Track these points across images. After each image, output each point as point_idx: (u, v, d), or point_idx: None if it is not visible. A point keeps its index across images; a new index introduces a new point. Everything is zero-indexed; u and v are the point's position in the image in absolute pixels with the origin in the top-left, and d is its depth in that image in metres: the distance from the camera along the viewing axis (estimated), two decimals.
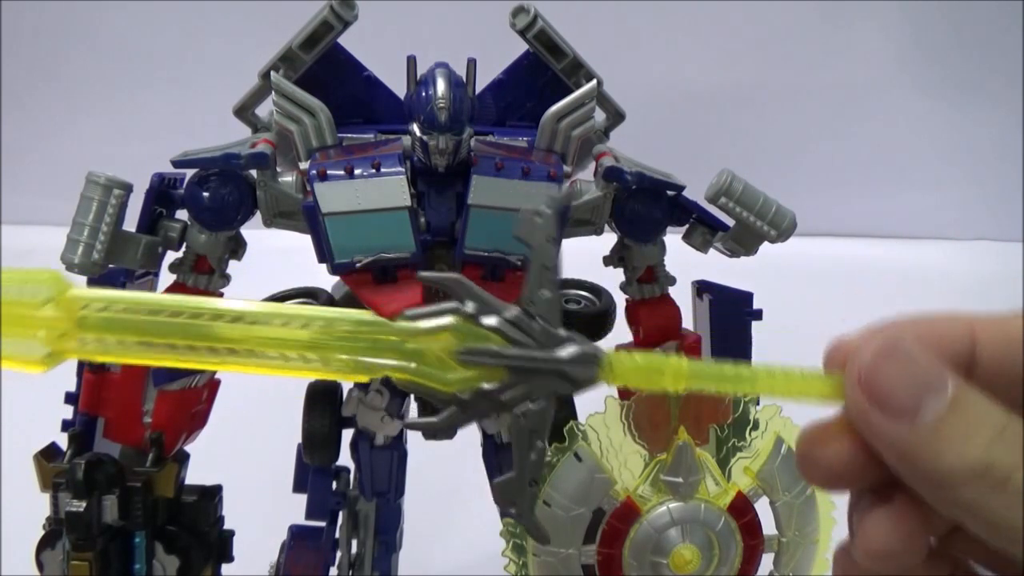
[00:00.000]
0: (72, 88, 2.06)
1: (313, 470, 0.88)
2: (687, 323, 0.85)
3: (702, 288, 0.85)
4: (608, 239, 0.82)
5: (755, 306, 0.84)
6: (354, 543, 0.94)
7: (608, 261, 0.82)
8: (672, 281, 0.82)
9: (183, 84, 1.94)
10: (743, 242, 0.78)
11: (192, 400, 0.76)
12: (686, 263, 0.83)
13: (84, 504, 0.67)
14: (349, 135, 0.77)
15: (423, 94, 0.69)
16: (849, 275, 1.99)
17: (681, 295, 0.85)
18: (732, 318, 0.84)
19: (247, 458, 1.17)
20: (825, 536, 0.78)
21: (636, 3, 2.00)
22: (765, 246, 0.79)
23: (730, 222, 0.78)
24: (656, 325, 0.81)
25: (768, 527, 0.76)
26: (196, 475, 0.80)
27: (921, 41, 2.08)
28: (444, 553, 1.19)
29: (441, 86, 0.69)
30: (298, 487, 0.90)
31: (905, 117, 2.13)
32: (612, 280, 0.85)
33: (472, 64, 0.74)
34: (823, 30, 2.08)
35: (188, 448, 0.79)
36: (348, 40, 0.79)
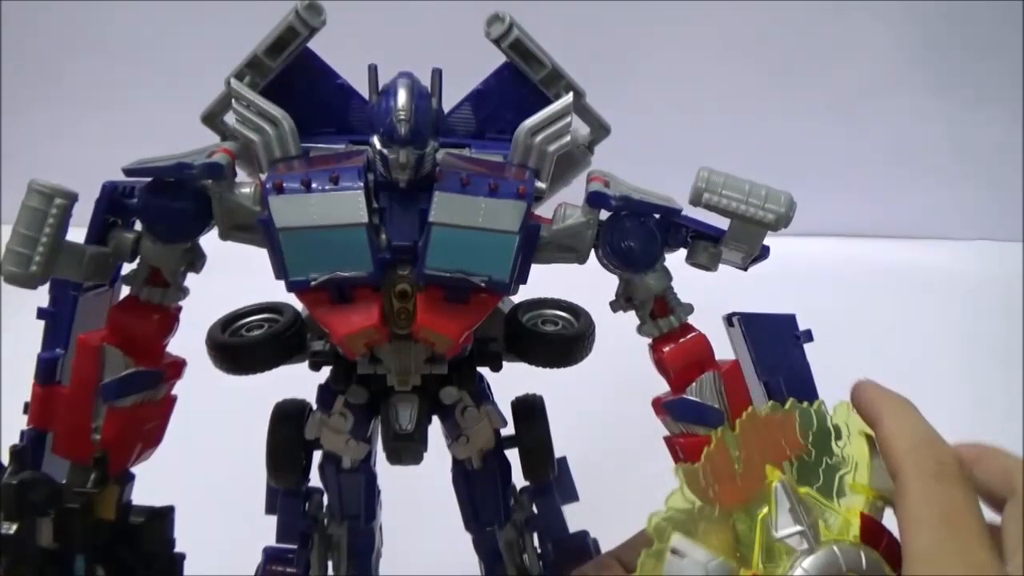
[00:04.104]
0: (72, 89, 2.06)
1: (282, 492, 0.86)
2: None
3: (731, 316, 0.78)
4: (593, 264, 0.77)
5: (763, 311, 0.77)
6: (330, 565, 0.91)
7: (616, 306, 0.76)
8: (689, 309, 0.75)
9: (185, 86, 1.90)
10: (744, 238, 0.71)
11: (144, 417, 0.73)
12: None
13: (15, 526, 0.64)
14: (319, 145, 0.74)
15: (383, 105, 0.66)
16: (849, 275, 1.97)
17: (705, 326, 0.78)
18: (778, 345, 0.77)
19: (226, 477, 1.15)
20: None
21: (640, 3, 1.97)
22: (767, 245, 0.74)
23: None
24: (685, 364, 0.74)
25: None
26: (174, 495, 0.78)
27: (921, 42, 2.05)
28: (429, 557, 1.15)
29: (402, 97, 0.65)
30: (270, 509, 0.88)
31: (905, 117, 2.10)
32: (595, 300, 0.81)
33: (437, 74, 0.71)
34: (823, 31, 2.05)
35: (178, 463, 0.77)
36: (327, 47, 0.76)
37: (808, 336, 0.78)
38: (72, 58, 2.04)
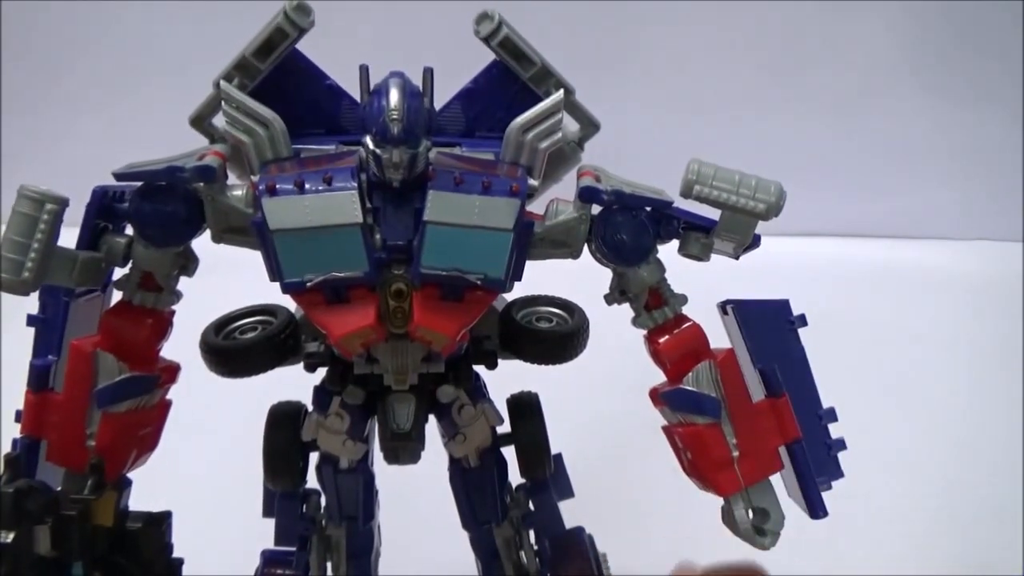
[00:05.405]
0: (73, 89, 2.05)
1: (279, 495, 0.85)
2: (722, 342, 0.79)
3: (725, 304, 0.79)
4: (587, 260, 0.77)
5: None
6: (328, 566, 0.91)
7: (610, 299, 0.77)
8: (683, 300, 0.76)
9: (185, 87, 1.91)
10: (736, 228, 0.72)
11: (139, 423, 0.73)
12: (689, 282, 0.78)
13: (12, 535, 0.64)
14: (309, 146, 0.74)
15: (375, 105, 0.66)
16: (849, 275, 1.96)
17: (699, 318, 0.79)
18: (773, 331, 0.78)
19: (223, 481, 1.15)
20: None
21: (638, 2, 1.97)
22: (765, 246, 0.74)
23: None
24: (681, 354, 0.75)
25: None
26: (171, 500, 0.77)
27: (921, 41, 2.06)
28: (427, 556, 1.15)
29: (394, 97, 0.65)
30: (267, 512, 0.87)
31: (905, 117, 2.11)
32: (589, 296, 0.81)
33: (429, 73, 0.71)
34: (823, 31, 2.05)
35: (171, 468, 0.77)
36: (317, 48, 0.76)
37: (802, 321, 0.78)
38: (72, 58, 2.03)
